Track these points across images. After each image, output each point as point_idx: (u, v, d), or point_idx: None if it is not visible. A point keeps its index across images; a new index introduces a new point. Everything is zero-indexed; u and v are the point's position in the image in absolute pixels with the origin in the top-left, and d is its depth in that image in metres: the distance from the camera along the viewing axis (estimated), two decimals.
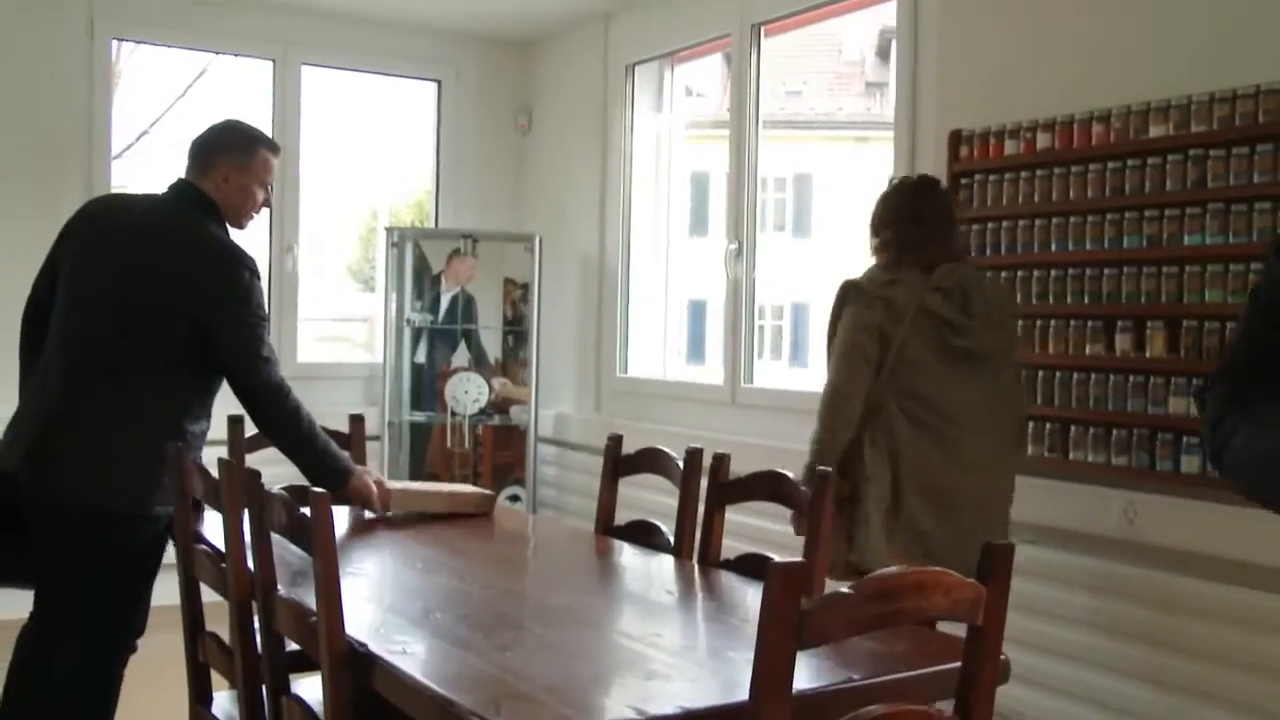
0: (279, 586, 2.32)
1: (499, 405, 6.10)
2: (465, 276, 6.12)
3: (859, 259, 3.45)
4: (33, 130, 5.38)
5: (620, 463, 3.33)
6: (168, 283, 2.99)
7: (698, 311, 7.60)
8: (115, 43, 5.68)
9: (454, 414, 5.94)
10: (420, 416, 6.05)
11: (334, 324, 7.24)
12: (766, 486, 2.80)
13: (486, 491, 3.44)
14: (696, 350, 7.80)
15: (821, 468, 2.79)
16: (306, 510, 2.09)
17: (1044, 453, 3.59)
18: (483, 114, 6.46)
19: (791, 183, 17.61)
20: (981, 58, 3.96)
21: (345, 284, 7.50)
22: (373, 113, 6.63)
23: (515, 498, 6.00)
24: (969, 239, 3.84)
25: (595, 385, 6.01)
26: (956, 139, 3.93)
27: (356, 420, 3.77)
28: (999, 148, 3.79)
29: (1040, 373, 3.61)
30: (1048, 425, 3.59)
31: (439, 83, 6.41)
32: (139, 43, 5.91)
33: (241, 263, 3.02)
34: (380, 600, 2.51)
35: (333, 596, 2.01)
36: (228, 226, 3.17)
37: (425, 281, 6.13)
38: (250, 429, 3.31)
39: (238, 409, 3.19)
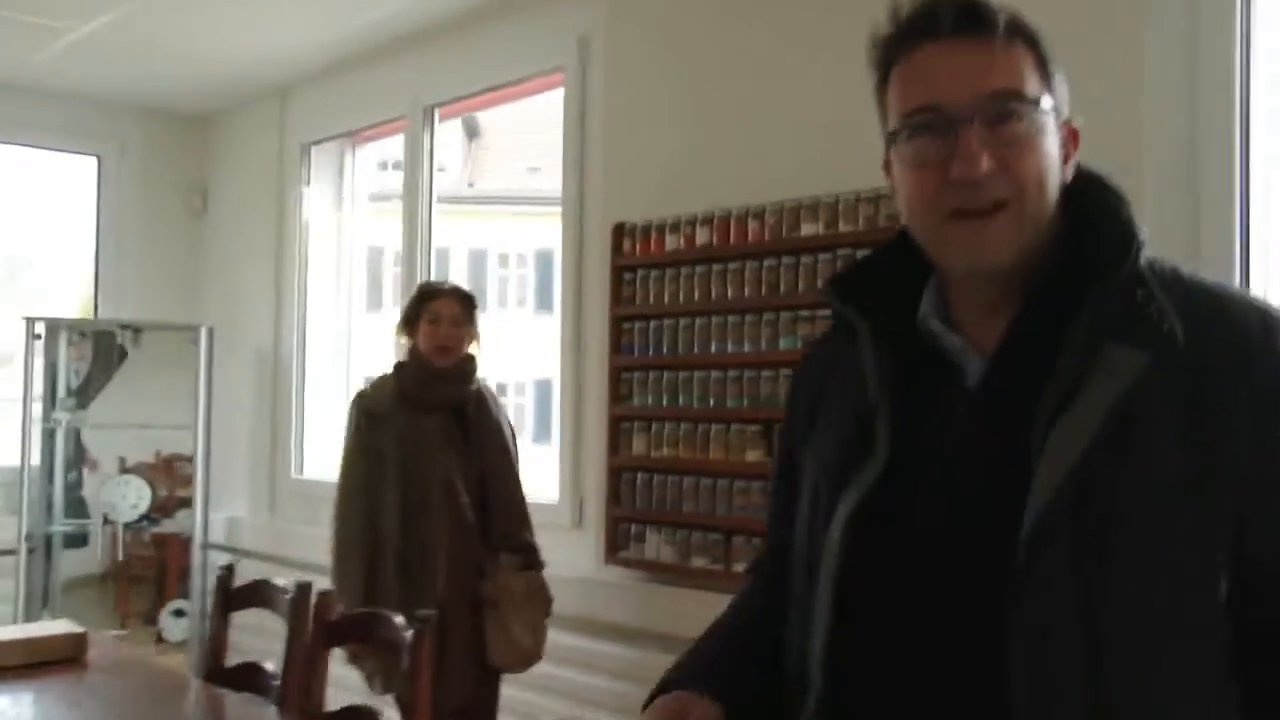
0: None
1: (164, 509, 5.53)
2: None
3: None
4: None
5: (231, 596, 2.93)
6: None
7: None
8: None
9: (107, 521, 5.34)
10: (68, 526, 5.39)
11: None
12: (364, 627, 2.47)
13: (75, 630, 2.95)
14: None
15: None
16: None
17: (708, 564, 3.41)
18: (151, 192, 5.93)
19: (533, 259, 17.55)
20: (645, 149, 3.81)
21: None
22: (24, 192, 6.00)
23: (180, 612, 5.42)
24: (633, 336, 3.67)
25: (270, 487, 5.54)
26: (620, 232, 3.76)
27: None
28: (660, 242, 3.64)
29: (701, 481, 3.44)
30: (710, 535, 3.41)
31: (99, 158, 5.86)
32: None
33: None
34: None
35: None
36: None
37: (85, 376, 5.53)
38: None
39: None
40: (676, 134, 3.70)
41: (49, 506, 5.38)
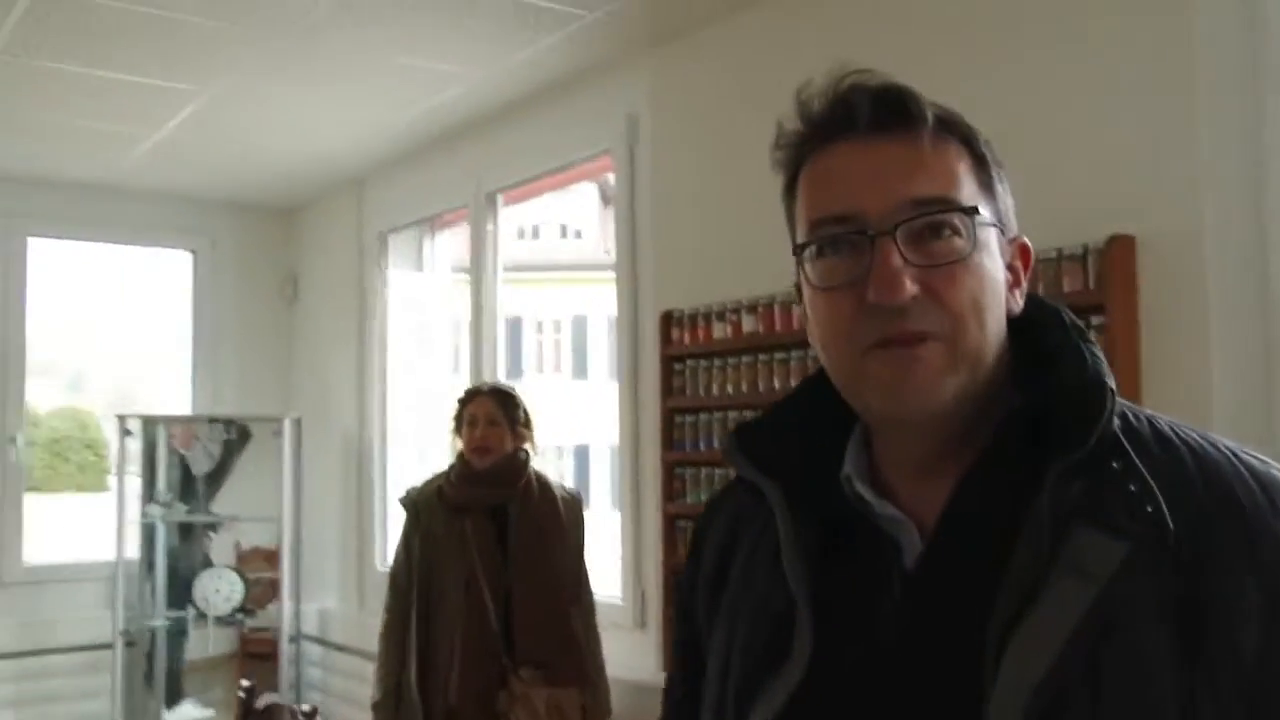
0: None
1: (260, 602, 5.54)
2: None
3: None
4: None
5: (251, 715, 2.85)
6: None
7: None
8: None
9: (201, 615, 5.37)
10: (161, 621, 5.43)
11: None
12: None
13: None
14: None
15: None
16: None
17: None
18: (243, 284, 6.03)
19: (569, 324, 17.27)
20: (692, 232, 3.66)
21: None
22: (121, 288, 6.18)
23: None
24: (684, 431, 3.51)
25: (358, 577, 5.50)
26: (668, 320, 3.60)
27: None
28: (708, 331, 3.47)
29: None
30: None
31: (194, 253, 5.98)
32: None
33: None
34: None
35: None
36: None
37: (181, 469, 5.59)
38: None
39: None
40: (723, 215, 3.54)
41: (152, 599, 5.43)
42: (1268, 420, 2.36)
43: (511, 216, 5.41)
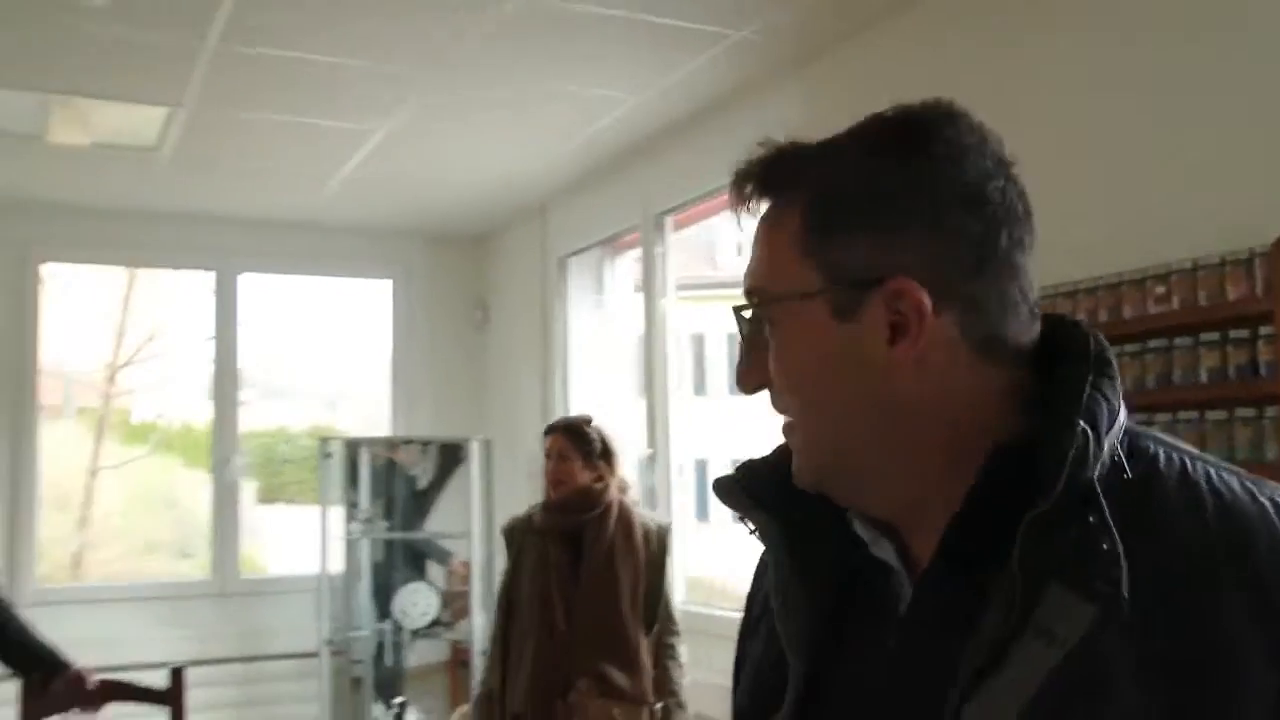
0: None
1: (459, 615, 5.75)
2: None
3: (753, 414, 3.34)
4: None
5: None
6: None
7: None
8: (41, 266, 5.69)
9: (398, 628, 5.60)
10: (366, 632, 5.70)
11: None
12: None
13: None
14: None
15: None
16: None
17: None
18: (437, 310, 6.29)
19: (688, 341, 17.55)
20: None
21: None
22: (323, 316, 6.55)
23: None
24: None
25: None
26: None
27: (176, 674, 3.46)
28: None
29: None
30: None
31: (393, 281, 6.29)
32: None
33: None
34: None
35: None
36: None
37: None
38: None
39: None
40: None
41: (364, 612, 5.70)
42: None
43: (691, 235, 5.46)
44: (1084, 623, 0.79)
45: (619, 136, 4.62)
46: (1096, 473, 0.82)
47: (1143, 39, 2.75)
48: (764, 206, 0.94)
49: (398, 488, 5.87)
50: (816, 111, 3.78)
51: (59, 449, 7.11)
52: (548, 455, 3.58)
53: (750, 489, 1.01)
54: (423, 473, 5.89)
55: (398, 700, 3.20)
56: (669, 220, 4.78)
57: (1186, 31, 2.65)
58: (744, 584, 1.16)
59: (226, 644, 5.64)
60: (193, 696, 5.19)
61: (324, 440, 5.68)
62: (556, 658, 3.40)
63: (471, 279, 6.38)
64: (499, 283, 6.28)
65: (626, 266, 5.66)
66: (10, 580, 5.40)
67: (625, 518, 3.53)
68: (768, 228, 0.93)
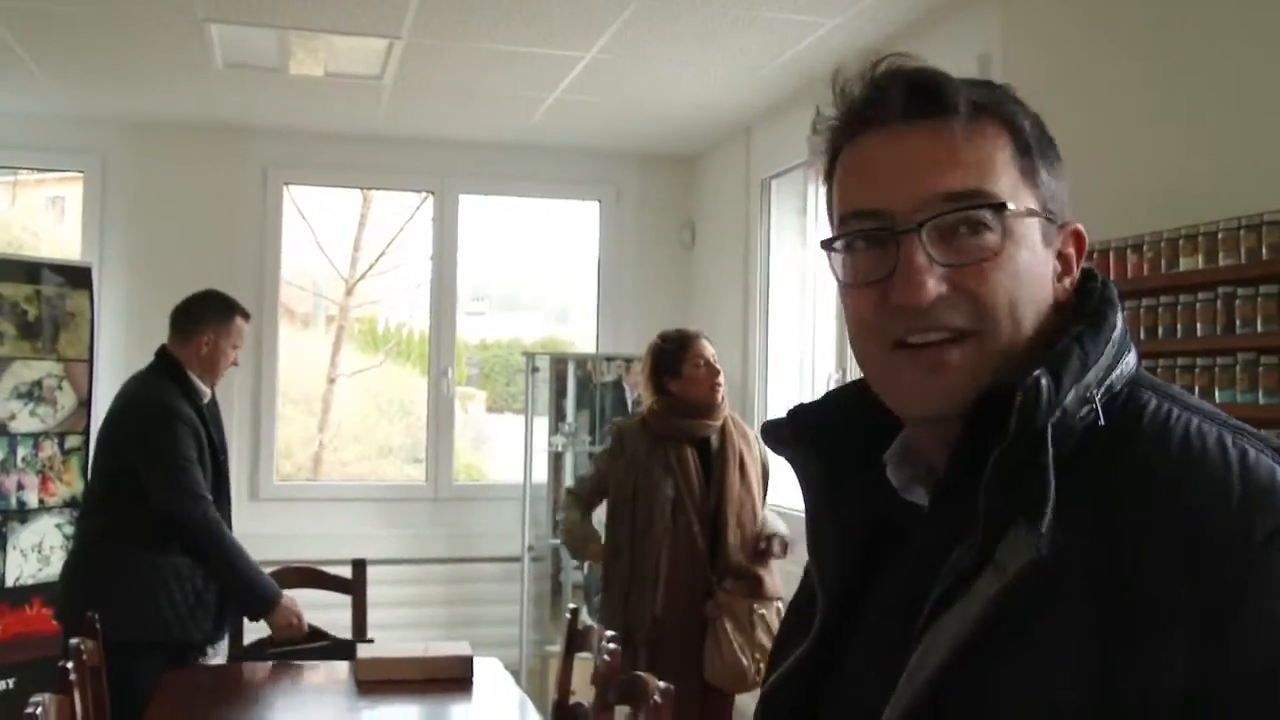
0: None
1: None
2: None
3: None
4: (213, 266, 5.87)
5: (573, 638, 3.16)
6: (113, 441, 3.41)
7: None
8: (285, 187, 6.12)
9: None
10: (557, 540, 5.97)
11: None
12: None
13: (464, 654, 3.33)
14: None
15: None
16: None
17: None
18: (645, 231, 6.43)
19: None
20: None
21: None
22: (542, 236, 6.79)
23: None
24: None
25: None
26: None
27: (358, 566, 3.79)
28: None
29: None
30: None
31: (600, 202, 6.45)
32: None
33: (167, 417, 3.33)
34: None
35: None
36: (195, 382, 3.37)
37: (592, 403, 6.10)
38: None
39: None
40: (1079, 153, 3.35)
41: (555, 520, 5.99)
42: None
43: None
44: (1023, 558, 0.83)
45: (817, 59, 4.59)
46: (1053, 419, 0.86)
47: None
48: (922, 116, 0.94)
49: (606, 402, 6.09)
50: (1011, 36, 3.67)
51: (308, 356, 7.69)
52: (700, 362, 3.68)
53: (796, 429, 1.07)
54: (631, 389, 6.08)
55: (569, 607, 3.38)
56: None
57: None
58: None
59: (438, 545, 6.04)
60: (403, 591, 5.63)
61: (530, 355, 5.93)
62: (695, 557, 3.55)
63: (679, 200, 6.48)
64: (705, 203, 6.36)
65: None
66: (253, 475, 5.93)
67: (739, 424, 3.77)
68: (953, 137, 0.93)
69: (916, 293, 0.90)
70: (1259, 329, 2.59)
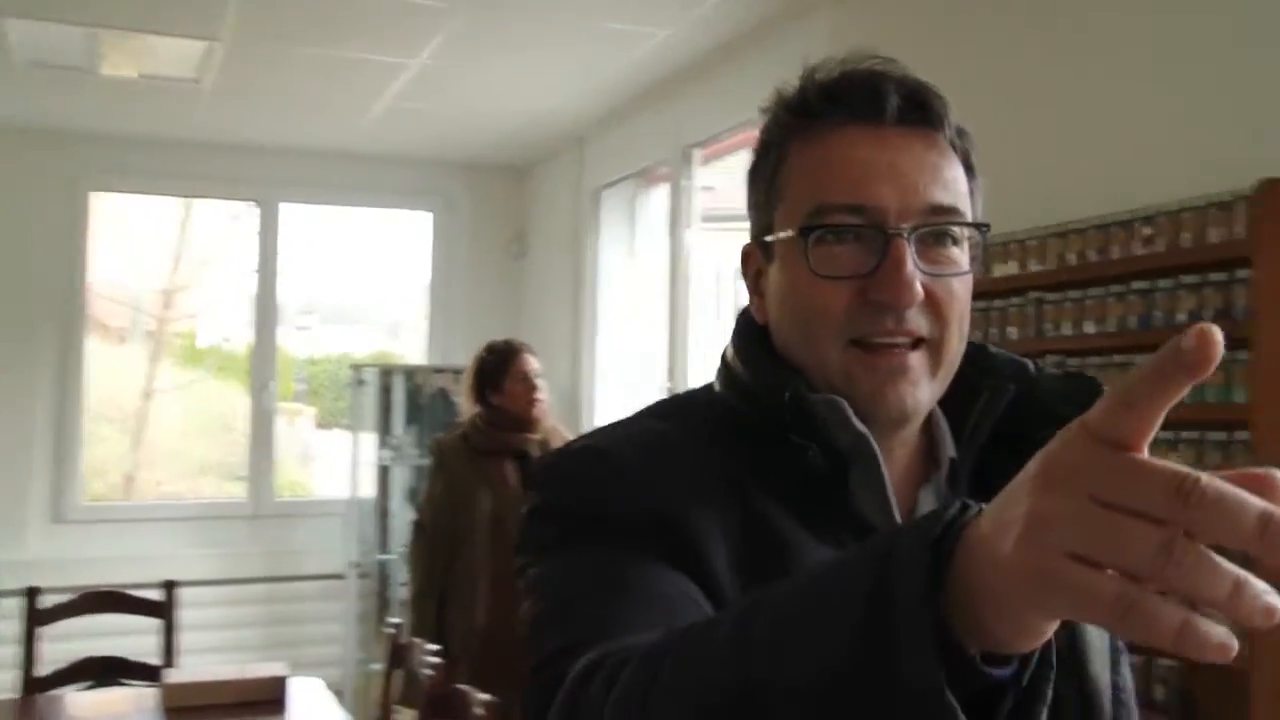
0: None
1: None
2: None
3: None
4: (12, 278, 5.55)
5: (395, 651, 3.06)
6: None
7: None
8: (92, 194, 5.81)
9: None
10: (392, 556, 5.83)
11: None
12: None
13: (277, 675, 3.20)
14: None
15: None
16: None
17: None
18: (477, 241, 6.36)
19: (734, 276, 17.22)
20: None
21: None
22: (370, 247, 6.65)
23: None
24: None
25: None
26: None
27: (168, 587, 3.61)
28: None
29: None
30: None
31: (433, 213, 6.35)
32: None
33: None
34: None
35: None
36: None
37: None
38: None
39: None
40: None
41: (388, 537, 5.84)
42: None
43: (720, 169, 5.45)
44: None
45: (650, 71, 4.62)
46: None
47: None
48: (912, 123, 0.96)
49: (435, 415, 5.97)
50: (843, 46, 3.73)
51: (124, 372, 7.32)
52: (524, 375, 3.65)
53: None
54: (458, 400, 5.97)
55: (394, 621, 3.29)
56: (697, 154, 4.78)
57: None
58: None
59: (257, 564, 5.82)
60: (221, 613, 5.40)
61: (357, 367, 5.79)
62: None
63: (511, 210, 6.43)
64: (537, 214, 6.33)
65: (659, 200, 5.67)
66: (55, 496, 5.61)
67: (563, 437, 3.67)
68: (940, 151, 0.96)
69: (907, 294, 0.91)
70: (1067, 333, 2.70)
